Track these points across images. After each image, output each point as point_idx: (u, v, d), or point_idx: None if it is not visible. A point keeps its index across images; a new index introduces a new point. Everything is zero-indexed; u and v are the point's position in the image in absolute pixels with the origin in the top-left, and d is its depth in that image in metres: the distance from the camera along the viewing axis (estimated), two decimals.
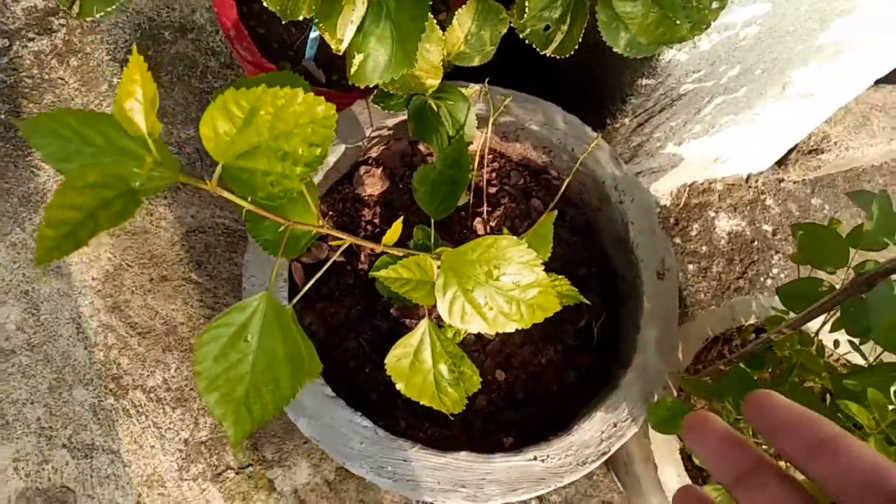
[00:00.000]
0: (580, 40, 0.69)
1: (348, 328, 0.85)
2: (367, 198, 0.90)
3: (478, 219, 0.90)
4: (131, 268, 1.14)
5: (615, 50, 0.70)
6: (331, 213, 0.89)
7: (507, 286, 0.60)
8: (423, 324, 0.67)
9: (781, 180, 1.39)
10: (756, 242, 1.35)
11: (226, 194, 0.45)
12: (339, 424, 0.72)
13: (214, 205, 1.18)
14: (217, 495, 1.07)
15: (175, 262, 1.15)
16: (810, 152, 1.34)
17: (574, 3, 0.69)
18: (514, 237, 0.58)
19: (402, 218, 0.63)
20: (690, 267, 1.30)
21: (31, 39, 1.22)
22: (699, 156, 1.21)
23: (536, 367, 0.86)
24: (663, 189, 1.33)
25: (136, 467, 1.06)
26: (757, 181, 1.39)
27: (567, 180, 0.82)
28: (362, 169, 0.90)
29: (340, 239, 0.61)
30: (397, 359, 0.67)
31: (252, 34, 0.97)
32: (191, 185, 1.19)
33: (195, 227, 1.17)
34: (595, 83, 0.97)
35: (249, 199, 0.47)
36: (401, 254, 0.68)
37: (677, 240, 1.31)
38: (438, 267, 0.67)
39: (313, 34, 0.93)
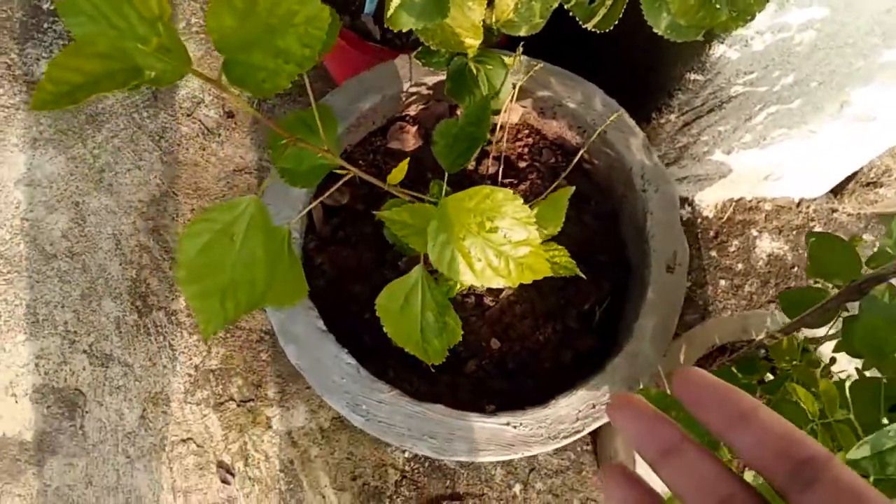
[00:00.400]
0: (621, 16, 0.69)
1: (357, 273, 0.87)
2: (398, 153, 0.92)
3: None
4: (176, 196, 1.19)
5: (655, 30, 0.70)
6: (361, 161, 0.91)
7: (498, 240, 0.60)
8: (417, 270, 0.68)
9: (835, 210, 1.35)
10: (796, 269, 1.31)
11: (233, 95, 0.47)
12: (326, 357, 0.74)
13: (262, 148, 1.22)
14: (216, 423, 1.11)
15: (217, 197, 1.19)
16: (869, 184, 1.29)
17: None
18: (510, 191, 0.59)
19: (408, 159, 0.64)
20: (722, 282, 1.27)
21: None
22: (749, 169, 1.18)
23: (533, 343, 0.86)
24: (708, 200, 1.31)
25: (145, 383, 1.11)
26: (808, 207, 1.34)
27: (581, 151, 0.81)
28: (398, 124, 0.92)
29: (347, 171, 0.63)
30: (388, 300, 0.68)
31: None
32: (244, 127, 1.23)
33: (242, 168, 1.21)
34: (644, 74, 0.96)
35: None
36: (406, 198, 0.69)
37: (713, 253, 1.28)
38: None
39: None
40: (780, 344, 0.70)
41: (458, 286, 0.75)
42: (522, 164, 0.93)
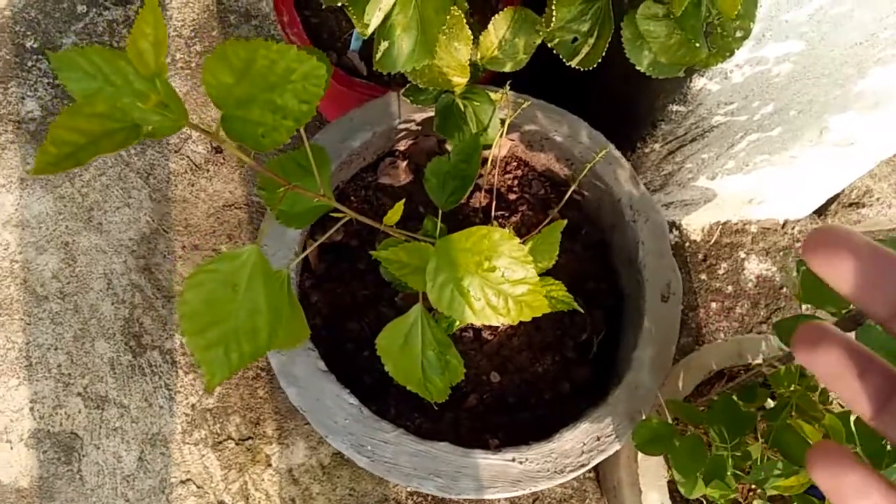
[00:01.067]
0: (603, 54, 0.71)
1: (353, 311, 0.87)
2: (389, 188, 0.93)
3: (494, 223, 0.92)
4: (167, 233, 1.19)
5: (638, 68, 0.72)
6: (352, 198, 0.92)
7: (496, 279, 0.61)
8: (416, 308, 0.68)
9: None
10: (784, 290, 1.33)
11: (230, 147, 0.48)
12: (327, 398, 0.75)
13: (251, 183, 1.22)
14: (215, 462, 1.10)
15: (208, 233, 1.19)
16: (851, 205, 1.31)
17: (602, 18, 0.71)
18: (507, 231, 0.60)
19: (403, 200, 0.65)
20: (713, 305, 1.28)
21: (107, 8, 1.30)
22: (733, 194, 1.20)
23: (532, 374, 0.87)
24: (695, 224, 1.32)
25: (142, 424, 1.11)
26: (793, 228, 1.37)
27: (573, 186, 0.83)
28: (388, 160, 0.93)
29: (342, 213, 0.63)
30: (388, 340, 0.69)
31: (304, 22, 1.01)
32: (232, 162, 1.23)
33: (231, 203, 1.21)
34: (627, 106, 0.98)
35: (252, 155, 0.50)
36: (402, 237, 0.70)
37: (703, 276, 1.30)
38: None
39: (355, 41, 0.97)
40: (778, 371, 0.71)
41: (458, 322, 0.75)
42: (513, 196, 0.94)
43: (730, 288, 1.31)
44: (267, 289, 0.51)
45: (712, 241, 1.33)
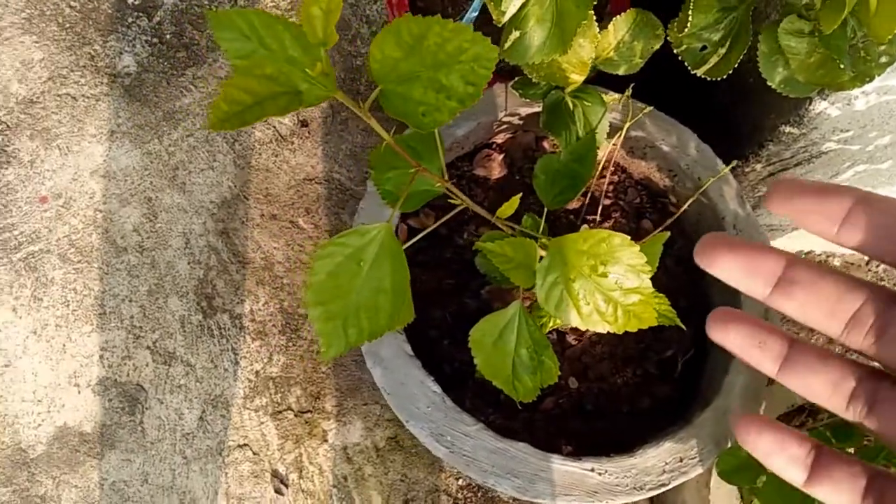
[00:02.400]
0: (735, 66, 0.69)
1: (437, 299, 0.86)
2: (482, 180, 0.92)
3: (585, 226, 0.90)
4: (247, 200, 1.19)
5: (769, 83, 0.69)
6: None
7: (609, 285, 0.60)
8: (515, 305, 0.67)
9: None
10: None
11: (373, 123, 0.47)
12: (412, 383, 0.74)
13: (335, 161, 1.22)
14: (273, 431, 1.11)
15: (286, 205, 1.20)
16: None
17: (737, 29, 0.68)
18: (628, 237, 0.58)
19: (520, 194, 0.64)
20: None
21: None
22: None
23: (612, 385, 0.85)
24: None
25: (206, 385, 1.12)
26: (878, 266, 1.32)
27: (685, 205, 0.80)
28: (485, 151, 0.92)
29: (456, 198, 0.62)
30: (482, 334, 0.68)
31: (411, 4, 1.00)
32: (317, 137, 1.24)
33: (312, 177, 1.22)
34: (735, 121, 0.95)
35: (392, 132, 0.50)
36: (509, 231, 0.69)
37: None
38: (542, 256, 0.68)
39: (471, 13, 0.95)
40: None
41: (552, 323, 0.74)
42: (607, 202, 0.92)
43: None
44: (393, 268, 0.50)
45: None
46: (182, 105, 1.23)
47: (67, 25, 1.25)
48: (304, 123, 1.26)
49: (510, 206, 0.63)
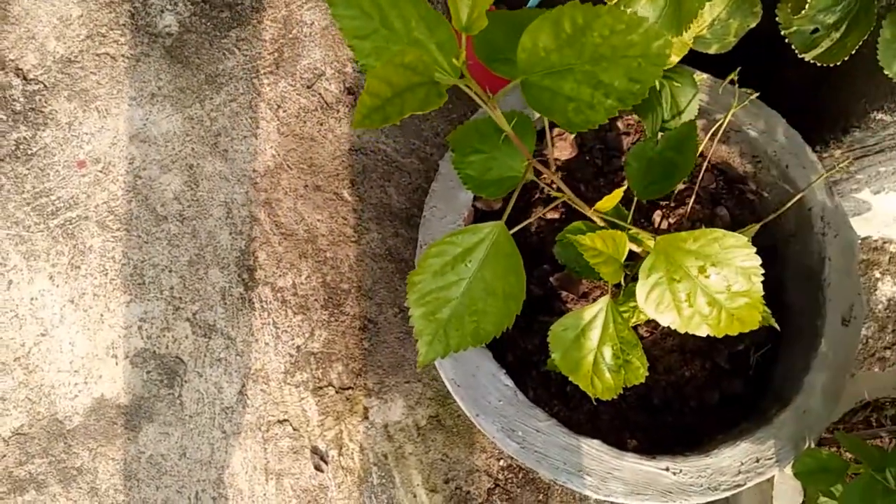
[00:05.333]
0: (853, 52, 0.64)
1: None
2: (552, 160, 0.88)
3: (658, 211, 0.86)
4: (290, 170, 1.15)
5: (885, 72, 0.65)
6: None
7: (715, 287, 0.56)
8: (603, 302, 0.64)
9: None
10: None
11: (497, 114, 0.43)
12: (482, 375, 0.71)
13: (380, 131, 1.18)
14: (314, 407, 1.08)
15: (331, 175, 1.16)
16: None
17: (857, 12, 0.64)
18: (744, 237, 0.54)
19: (624, 188, 0.60)
20: None
21: None
22: (889, 211, 1.12)
23: (680, 378, 0.82)
24: None
25: (246, 359, 1.09)
26: None
27: (787, 206, 0.76)
28: (556, 131, 0.87)
29: (555, 189, 0.59)
30: (563, 329, 0.65)
31: None
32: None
33: (358, 147, 1.17)
34: (820, 104, 0.91)
35: (512, 125, 0.45)
36: (601, 223, 0.65)
37: None
38: (632, 250, 0.64)
39: None
40: None
41: (634, 319, 0.71)
42: (681, 186, 0.88)
43: None
44: (506, 271, 0.47)
45: None
46: (225, 68, 1.18)
47: None
48: (349, 91, 1.21)
49: (611, 201, 0.59)
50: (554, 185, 0.55)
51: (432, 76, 0.36)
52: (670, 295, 0.57)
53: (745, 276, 0.55)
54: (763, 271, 0.54)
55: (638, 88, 0.35)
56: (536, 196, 0.86)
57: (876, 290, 1.25)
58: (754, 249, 0.54)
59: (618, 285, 0.68)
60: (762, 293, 0.56)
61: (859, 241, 1.27)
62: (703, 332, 0.57)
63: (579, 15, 0.34)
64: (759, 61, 0.88)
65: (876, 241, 1.27)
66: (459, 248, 0.46)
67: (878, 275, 1.26)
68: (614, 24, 0.34)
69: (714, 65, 0.84)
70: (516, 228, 0.51)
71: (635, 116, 0.91)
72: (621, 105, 0.35)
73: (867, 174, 0.98)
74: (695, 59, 0.76)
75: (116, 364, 1.07)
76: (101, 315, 1.08)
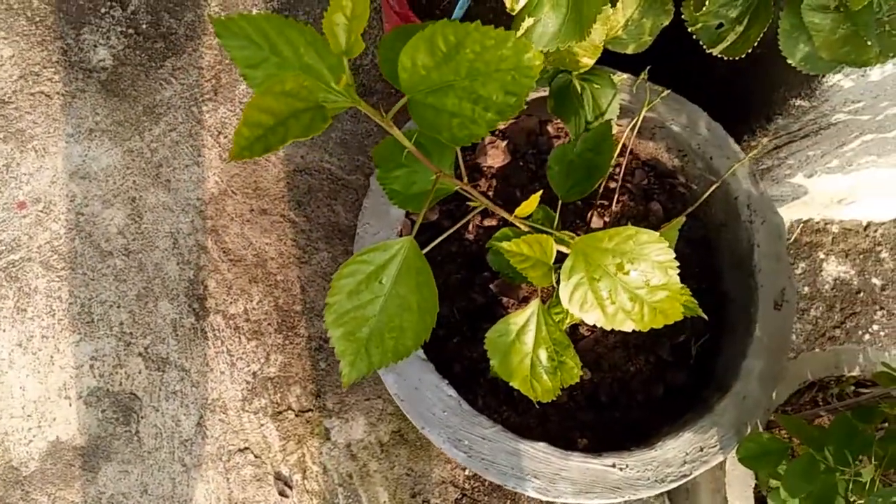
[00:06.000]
0: (755, 44, 0.66)
1: (444, 295, 0.83)
2: (485, 168, 0.89)
3: (594, 211, 0.88)
4: (235, 195, 1.15)
5: (789, 61, 0.66)
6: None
7: (635, 283, 0.57)
8: (534, 305, 0.65)
9: None
10: (861, 294, 1.28)
11: (395, 131, 0.44)
12: (426, 388, 0.71)
13: (324, 150, 1.18)
14: (274, 432, 1.08)
15: (277, 198, 1.16)
16: None
17: (757, 5, 0.65)
18: (656, 233, 0.56)
19: (540, 193, 0.61)
20: None
21: None
22: (826, 192, 1.15)
23: (625, 374, 0.83)
24: None
25: (202, 389, 1.08)
26: (876, 231, 1.31)
27: (708, 192, 0.78)
28: (487, 139, 0.88)
29: (474, 199, 0.59)
30: (498, 335, 0.66)
31: None
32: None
33: (302, 168, 1.17)
34: (742, 95, 0.93)
35: (414, 140, 0.46)
36: (525, 228, 0.66)
37: None
38: (560, 251, 0.65)
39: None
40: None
41: (569, 320, 0.72)
42: (612, 185, 0.90)
43: (806, 289, 1.26)
44: (419, 285, 0.47)
45: (792, 238, 1.28)
46: (163, 98, 1.17)
47: (37, 19, 1.19)
48: None
49: (529, 205, 0.60)
50: (470, 195, 0.56)
51: (317, 101, 0.37)
52: (592, 294, 0.58)
53: (662, 270, 0.56)
54: (678, 264, 0.56)
55: (514, 101, 0.36)
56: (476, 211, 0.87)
57: (821, 270, 1.28)
58: (667, 244, 0.55)
59: (551, 287, 0.69)
60: (680, 285, 0.57)
61: (802, 225, 1.30)
62: (628, 327, 0.58)
63: (451, 33, 0.35)
64: (683, 56, 0.90)
65: (817, 222, 1.30)
66: (372, 265, 0.47)
67: (821, 255, 1.29)
68: (484, 40, 0.35)
69: (639, 64, 0.86)
70: (432, 245, 0.52)
71: None
72: (500, 118, 0.36)
73: (797, 159, 1.01)
74: (619, 61, 0.78)
75: (70, 405, 1.06)
76: (51, 357, 1.07)
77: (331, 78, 0.40)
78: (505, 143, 0.89)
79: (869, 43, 0.60)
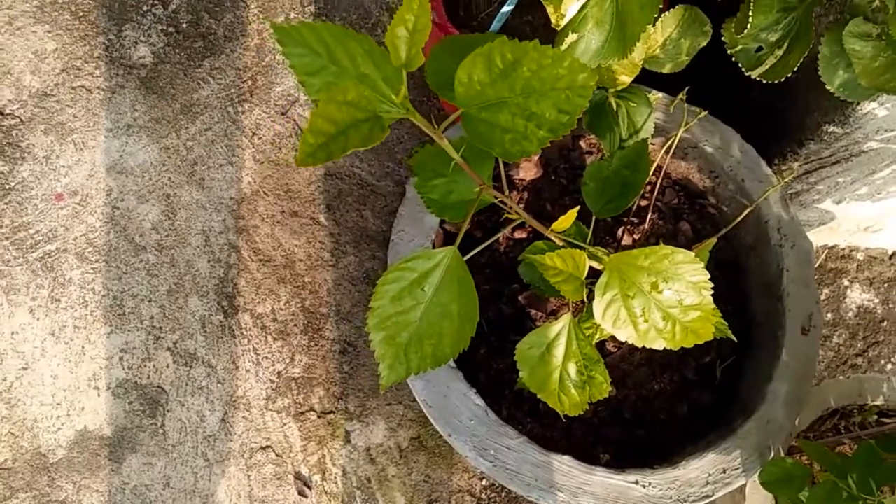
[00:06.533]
0: (795, 69, 0.66)
1: None
2: (518, 181, 0.90)
3: (622, 228, 0.89)
4: (267, 196, 1.17)
5: (828, 87, 0.67)
6: None
7: (668, 302, 0.58)
8: (565, 319, 0.66)
9: None
10: (885, 323, 1.28)
11: (445, 143, 0.45)
12: (454, 396, 0.72)
13: (355, 155, 1.20)
14: (296, 432, 1.09)
15: (307, 201, 1.17)
16: None
17: (797, 30, 0.66)
18: (692, 253, 0.56)
19: (577, 209, 0.62)
20: None
21: None
22: (853, 219, 1.15)
23: (650, 392, 0.84)
24: None
25: (228, 386, 1.10)
26: None
27: (742, 216, 0.79)
28: None
29: (512, 212, 0.60)
30: (528, 347, 0.66)
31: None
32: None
33: (333, 172, 1.19)
34: (776, 119, 0.93)
35: (461, 152, 0.47)
36: (560, 243, 0.67)
37: None
38: (592, 267, 0.66)
39: (506, 7, 0.92)
40: None
41: (598, 335, 0.72)
42: (643, 203, 0.90)
43: (829, 315, 1.26)
44: (460, 294, 0.48)
45: (817, 264, 1.28)
46: (200, 97, 1.20)
47: (81, 14, 1.22)
48: None
49: (566, 220, 0.61)
50: (510, 208, 0.57)
51: (376, 111, 0.38)
52: (626, 311, 0.58)
53: (696, 290, 0.57)
54: (712, 285, 0.56)
55: (567, 119, 0.37)
56: (504, 217, 0.88)
57: (845, 297, 1.28)
58: (702, 264, 0.56)
59: (582, 302, 0.70)
60: (713, 306, 0.58)
61: (827, 251, 1.29)
62: (659, 345, 0.59)
63: (508, 51, 0.36)
64: (721, 78, 0.91)
65: (843, 249, 1.30)
66: (415, 273, 0.48)
67: (846, 283, 1.28)
68: (541, 59, 0.36)
69: (674, 84, 0.87)
70: (472, 253, 0.53)
71: None
72: (552, 135, 0.38)
73: (826, 185, 1.01)
74: (654, 80, 0.79)
75: (98, 395, 1.08)
76: (83, 347, 1.09)
77: (386, 89, 0.41)
78: (538, 156, 0.90)
79: None
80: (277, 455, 1.08)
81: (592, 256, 0.66)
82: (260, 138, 1.20)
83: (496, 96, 0.38)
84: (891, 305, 1.29)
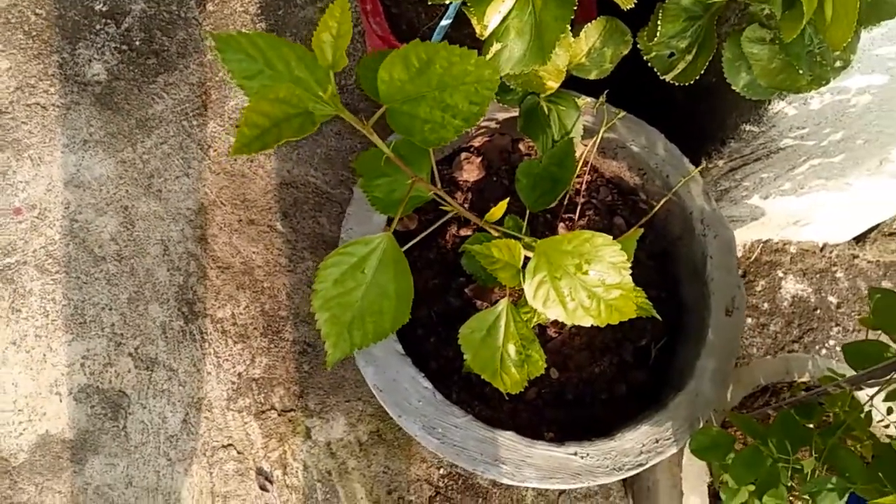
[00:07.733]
0: (702, 72, 0.73)
1: (421, 298, 0.89)
2: (461, 182, 0.95)
3: (562, 224, 0.94)
4: (224, 206, 1.21)
5: (733, 88, 0.74)
6: None
7: (592, 282, 0.64)
8: (503, 303, 0.71)
9: (856, 256, 1.40)
10: (818, 311, 1.36)
11: (375, 138, 0.50)
12: (403, 380, 0.77)
13: (310, 164, 1.24)
14: (257, 431, 1.13)
15: (264, 209, 1.21)
16: (891, 234, 1.34)
17: (703, 36, 0.73)
18: (610, 237, 0.62)
19: (507, 199, 0.67)
20: (749, 320, 1.31)
21: None
22: (781, 214, 1.22)
23: (590, 374, 0.89)
24: (738, 240, 1.35)
25: (189, 388, 1.13)
26: (831, 252, 1.39)
27: (660, 205, 0.85)
28: (463, 155, 0.95)
29: (447, 204, 0.66)
30: (471, 331, 0.71)
31: (385, 12, 1.03)
32: (291, 141, 1.25)
33: (289, 181, 1.23)
34: (699, 121, 1.00)
35: (391, 145, 0.53)
36: (496, 234, 0.72)
37: None
38: (527, 256, 0.71)
39: (444, 21, 0.98)
40: (841, 397, 0.74)
41: (536, 319, 0.78)
42: (580, 200, 0.97)
43: (766, 305, 1.34)
44: (396, 274, 0.53)
45: (752, 258, 1.36)
46: (155, 112, 1.23)
47: (34, 33, 1.25)
48: None
49: (498, 210, 0.67)
50: (445, 201, 0.62)
51: (306, 108, 0.43)
52: (554, 291, 0.64)
53: (616, 270, 0.63)
54: (630, 265, 0.62)
55: (477, 109, 0.42)
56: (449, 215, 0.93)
57: (780, 288, 1.36)
58: (619, 246, 0.61)
59: (520, 288, 0.76)
60: (633, 285, 0.63)
61: (762, 245, 1.37)
62: (587, 322, 0.65)
63: (422, 51, 0.41)
64: (647, 83, 0.98)
65: (776, 243, 1.38)
66: (355, 257, 0.53)
67: (780, 274, 1.36)
68: (450, 57, 0.41)
69: (604, 90, 0.93)
70: (411, 243, 0.58)
71: None
72: (466, 125, 0.43)
73: (752, 181, 1.08)
74: (586, 86, 0.85)
75: (60, 401, 1.10)
76: (44, 355, 1.12)
77: (318, 89, 0.46)
78: (480, 159, 0.95)
79: (801, 72, 0.68)
80: (239, 452, 1.11)
81: (526, 246, 0.72)
82: (215, 150, 1.24)
83: (415, 91, 0.43)
84: (823, 294, 1.37)
